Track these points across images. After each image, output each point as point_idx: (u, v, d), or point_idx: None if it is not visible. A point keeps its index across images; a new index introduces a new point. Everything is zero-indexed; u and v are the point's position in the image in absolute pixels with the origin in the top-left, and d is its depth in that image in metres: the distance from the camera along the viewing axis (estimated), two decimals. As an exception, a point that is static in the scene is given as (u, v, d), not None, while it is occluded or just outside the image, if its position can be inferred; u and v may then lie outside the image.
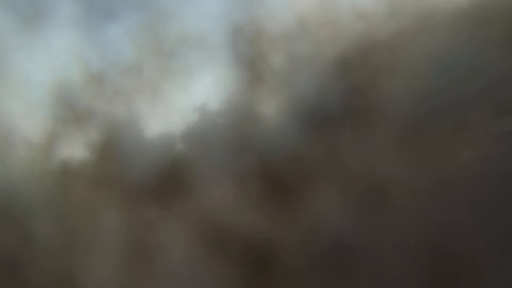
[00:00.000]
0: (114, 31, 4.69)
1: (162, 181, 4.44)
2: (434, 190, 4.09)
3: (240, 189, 4.46)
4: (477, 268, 3.89)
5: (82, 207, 4.38)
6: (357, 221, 4.17)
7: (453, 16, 4.36)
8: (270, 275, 4.21)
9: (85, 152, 4.63)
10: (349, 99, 4.47)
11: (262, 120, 4.52)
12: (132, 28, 4.68)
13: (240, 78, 4.66)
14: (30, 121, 4.55)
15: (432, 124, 4.24)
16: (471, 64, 4.27)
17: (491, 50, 4.22)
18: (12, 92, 4.55)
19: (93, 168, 4.60)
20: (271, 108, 4.60)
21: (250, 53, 4.68)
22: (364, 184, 4.26)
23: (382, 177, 4.23)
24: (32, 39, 4.57)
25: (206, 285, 4.26)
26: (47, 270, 4.19)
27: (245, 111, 4.56)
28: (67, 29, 4.59)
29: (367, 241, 4.12)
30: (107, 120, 4.47)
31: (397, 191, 4.14)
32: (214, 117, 4.73)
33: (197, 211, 4.42)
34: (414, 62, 4.44)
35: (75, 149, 4.62)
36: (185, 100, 4.74)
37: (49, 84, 4.58)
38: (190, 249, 4.38)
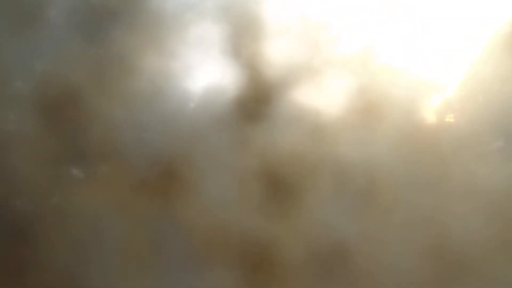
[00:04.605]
0: (114, 31, 4.68)
1: (162, 180, 4.44)
2: (436, 190, 4.11)
3: (240, 188, 4.46)
4: (478, 270, 3.91)
5: (83, 206, 4.38)
6: (358, 221, 4.18)
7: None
8: (270, 275, 4.22)
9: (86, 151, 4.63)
10: (349, 99, 4.48)
11: (262, 120, 4.52)
12: (132, 28, 4.67)
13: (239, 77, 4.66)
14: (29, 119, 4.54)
15: (433, 124, 4.25)
16: (471, 65, 4.29)
17: (490, 51, 4.23)
18: (12, 89, 4.54)
19: (93, 167, 4.60)
20: (271, 108, 4.60)
21: (249, 52, 4.68)
22: (364, 184, 4.27)
23: (382, 177, 4.24)
24: (31, 39, 4.56)
25: (206, 284, 4.27)
26: (48, 269, 4.19)
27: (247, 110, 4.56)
28: (67, 28, 4.57)
29: (367, 241, 4.13)
30: (108, 120, 4.47)
31: (397, 191, 4.15)
32: (214, 115, 4.73)
33: (198, 210, 4.43)
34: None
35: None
36: (184, 99, 4.74)
37: (47, 83, 4.57)
38: (191, 248, 4.39)
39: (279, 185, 4.36)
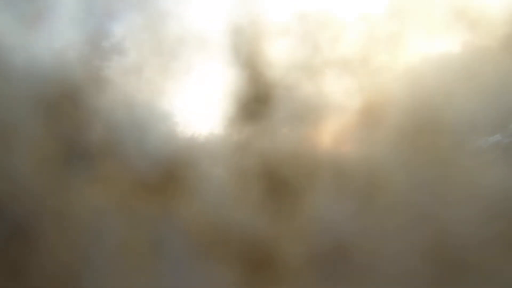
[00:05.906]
0: (114, 31, 4.68)
1: (162, 180, 4.43)
2: (435, 189, 4.10)
3: (239, 188, 4.45)
4: (477, 268, 3.90)
5: (84, 204, 4.37)
6: (357, 221, 4.17)
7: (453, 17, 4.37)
8: (270, 274, 4.21)
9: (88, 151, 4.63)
10: (349, 99, 4.47)
11: (262, 119, 4.52)
12: (132, 28, 4.67)
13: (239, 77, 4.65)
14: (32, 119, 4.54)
15: (432, 124, 4.24)
16: (469, 64, 4.28)
17: (489, 51, 4.22)
18: (13, 89, 4.54)
19: (95, 167, 4.59)
20: (271, 107, 4.60)
21: (249, 52, 4.67)
22: (364, 184, 4.26)
23: (382, 177, 4.23)
24: (33, 39, 4.56)
25: (206, 283, 4.25)
26: (48, 269, 4.18)
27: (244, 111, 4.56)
28: (68, 29, 4.58)
29: (367, 241, 4.12)
30: (107, 119, 4.46)
31: (397, 191, 4.14)
32: (214, 115, 4.73)
33: (198, 210, 4.42)
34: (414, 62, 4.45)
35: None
36: (185, 99, 4.74)
37: (51, 82, 4.56)
38: (191, 248, 4.38)
39: (279, 185, 4.35)
